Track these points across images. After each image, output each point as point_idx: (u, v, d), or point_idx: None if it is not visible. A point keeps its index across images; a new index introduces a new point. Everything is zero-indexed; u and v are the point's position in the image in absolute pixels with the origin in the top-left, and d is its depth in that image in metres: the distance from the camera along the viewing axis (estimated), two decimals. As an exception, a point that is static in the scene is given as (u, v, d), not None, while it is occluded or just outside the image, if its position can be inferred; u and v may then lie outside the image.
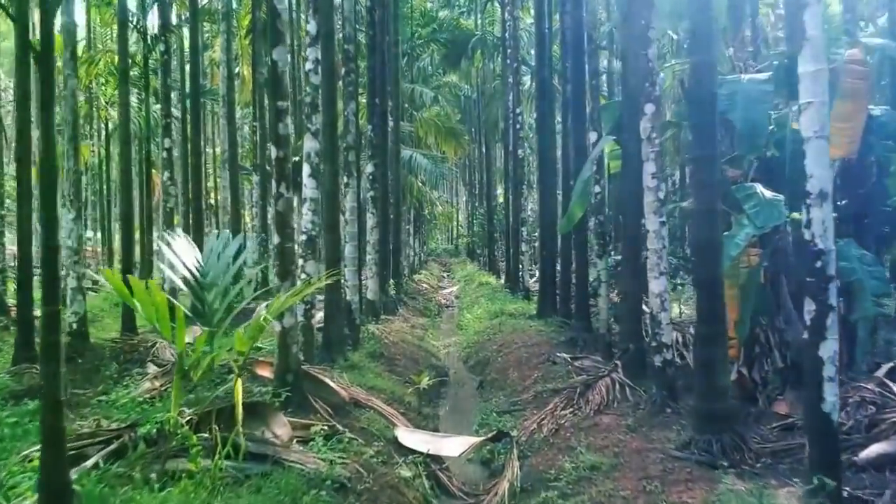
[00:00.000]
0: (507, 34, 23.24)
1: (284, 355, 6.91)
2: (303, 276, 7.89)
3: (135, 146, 29.68)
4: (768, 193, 7.61)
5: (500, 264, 31.90)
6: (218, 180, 23.46)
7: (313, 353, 7.94)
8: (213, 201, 29.80)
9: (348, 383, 7.72)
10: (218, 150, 26.39)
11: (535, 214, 27.77)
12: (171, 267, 5.20)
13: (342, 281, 11.23)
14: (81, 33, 28.72)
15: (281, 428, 6.04)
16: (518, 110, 20.77)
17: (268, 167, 13.78)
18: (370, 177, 14.29)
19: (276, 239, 6.84)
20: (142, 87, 26.56)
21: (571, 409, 7.91)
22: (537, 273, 23.60)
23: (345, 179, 10.87)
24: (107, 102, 30.43)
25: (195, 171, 15.69)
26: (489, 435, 7.24)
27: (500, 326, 15.45)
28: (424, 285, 29.74)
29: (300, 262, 7.95)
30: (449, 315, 23.00)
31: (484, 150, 37.54)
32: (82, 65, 24.63)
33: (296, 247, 8.05)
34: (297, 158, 9.37)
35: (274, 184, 6.81)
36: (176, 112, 26.27)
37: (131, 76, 27.74)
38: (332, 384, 7.16)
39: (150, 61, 15.70)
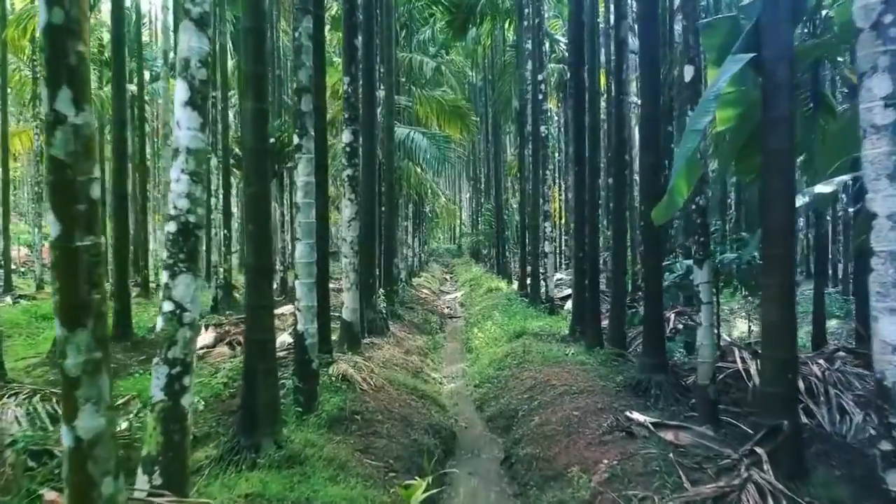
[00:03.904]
0: (525, -12, 19.21)
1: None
2: (166, 306, 3.84)
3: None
4: None
5: (510, 267, 27.89)
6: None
7: (186, 464, 3.86)
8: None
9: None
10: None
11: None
12: None
13: (295, 302, 7.18)
14: None
15: None
16: (540, 77, 16.70)
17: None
18: (347, 149, 10.20)
19: (55, 228, 2.79)
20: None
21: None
22: (553, 276, 19.49)
23: (295, 139, 6.79)
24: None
25: (117, 144, 11.66)
26: None
27: (525, 354, 11.39)
28: (425, 291, 25.69)
29: (163, 276, 3.90)
30: (453, 329, 18.94)
31: (491, 138, 33.50)
32: (9, 25, 20.68)
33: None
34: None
35: (45, 90, 2.77)
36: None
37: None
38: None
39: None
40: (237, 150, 18.20)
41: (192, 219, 3.94)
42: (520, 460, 7.18)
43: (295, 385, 6.64)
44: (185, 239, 3.91)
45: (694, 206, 6.93)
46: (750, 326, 15.23)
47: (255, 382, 5.28)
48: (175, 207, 3.94)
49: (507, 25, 26.23)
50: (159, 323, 3.85)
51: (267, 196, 5.30)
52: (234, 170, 18.45)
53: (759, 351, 6.25)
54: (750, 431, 6.46)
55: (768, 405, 5.48)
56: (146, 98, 23.32)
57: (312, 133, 6.88)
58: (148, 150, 23.82)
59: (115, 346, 11.73)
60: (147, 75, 23.66)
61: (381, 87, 16.26)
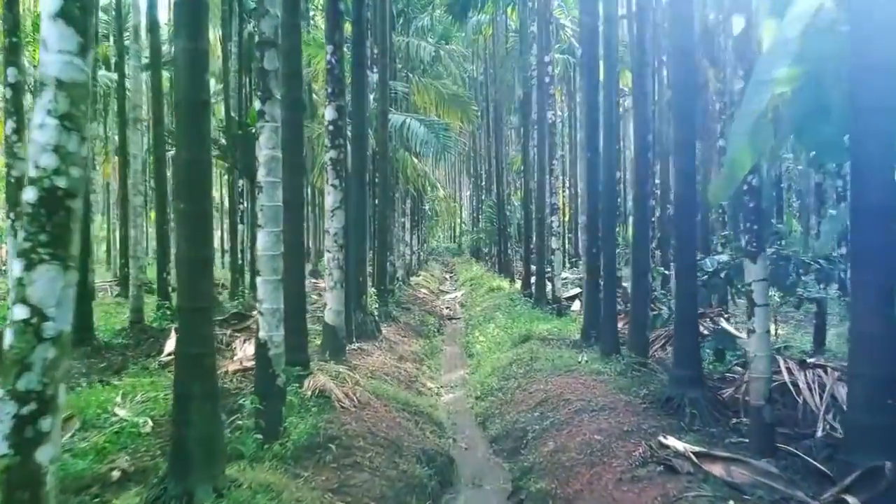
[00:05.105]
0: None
1: None
2: (18, 312, 2.58)
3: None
4: None
5: (513, 265, 26.57)
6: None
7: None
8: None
9: None
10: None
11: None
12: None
13: (257, 304, 5.91)
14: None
15: None
16: (547, 59, 15.43)
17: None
18: (330, 128, 8.94)
19: None
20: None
21: None
22: (559, 275, 18.11)
23: (256, 104, 5.53)
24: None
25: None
26: None
27: (532, 361, 10.13)
28: (423, 290, 24.42)
29: (15, 267, 2.64)
30: (453, 331, 17.67)
31: (493, 132, 32.23)
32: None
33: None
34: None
35: None
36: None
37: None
38: None
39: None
40: (222, 138, 16.90)
41: (61, 183, 2.67)
42: (531, 497, 5.91)
43: (255, 406, 5.36)
44: (49, 212, 2.64)
45: (746, 187, 5.66)
46: (777, 329, 13.95)
47: (188, 410, 4.01)
48: (36, 167, 2.67)
49: (509, 12, 24.94)
50: (7, 336, 2.58)
51: (204, 165, 4.04)
52: (217, 160, 17.12)
53: (847, 369, 4.96)
54: (811, 461, 5.23)
55: (861, 439, 4.21)
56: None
57: (278, 97, 5.62)
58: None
59: (74, 352, 10.51)
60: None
61: (375, 69, 15.01)
